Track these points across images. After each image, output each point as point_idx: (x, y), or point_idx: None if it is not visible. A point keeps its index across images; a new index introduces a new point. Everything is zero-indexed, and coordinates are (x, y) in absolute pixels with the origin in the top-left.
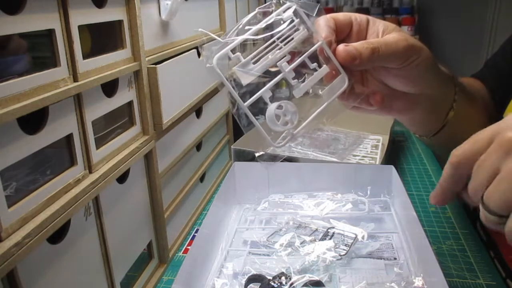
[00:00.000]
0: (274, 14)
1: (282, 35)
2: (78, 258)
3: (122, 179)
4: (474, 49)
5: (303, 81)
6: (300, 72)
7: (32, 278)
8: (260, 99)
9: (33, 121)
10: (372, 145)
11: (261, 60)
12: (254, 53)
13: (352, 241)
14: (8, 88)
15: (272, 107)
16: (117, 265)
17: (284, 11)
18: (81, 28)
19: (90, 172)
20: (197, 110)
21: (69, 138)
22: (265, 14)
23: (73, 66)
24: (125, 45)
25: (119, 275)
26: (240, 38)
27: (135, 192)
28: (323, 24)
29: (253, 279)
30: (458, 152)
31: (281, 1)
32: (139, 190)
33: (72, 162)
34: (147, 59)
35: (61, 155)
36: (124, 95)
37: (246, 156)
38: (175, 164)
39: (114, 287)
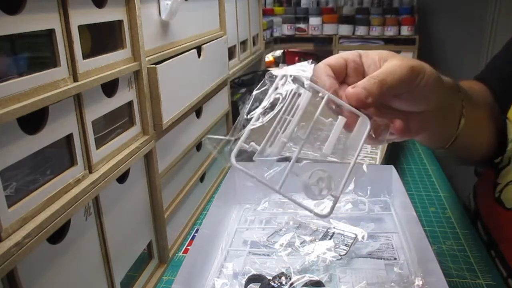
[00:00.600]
0: (271, 91)
1: (287, 108)
2: (78, 258)
3: (122, 179)
4: (474, 49)
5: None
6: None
7: (32, 278)
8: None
9: (33, 121)
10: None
11: (276, 141)
12: (267, 136)
13: (352, 241)
14: (8, 88)
15: (304, 180)
16: (117, 265)
17: (281, 82)
18: (81, 28)
19: (90, 172)
20: (197, 110)
21: (69, 138)
22: (263, 93)
23: (73, 66)
24: (125, 45)
25: (119, 275)
26: (247, 130)
27: (135, 192)
28: (322, 76)
29: (253, 279)
30: None
31: (273, 76)
32: (139, 190)
33: (72, 162)
34: (147, 59)
35: (61, 155)
36: (124, 95)
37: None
38: (175, 164)
39: (114, 287)
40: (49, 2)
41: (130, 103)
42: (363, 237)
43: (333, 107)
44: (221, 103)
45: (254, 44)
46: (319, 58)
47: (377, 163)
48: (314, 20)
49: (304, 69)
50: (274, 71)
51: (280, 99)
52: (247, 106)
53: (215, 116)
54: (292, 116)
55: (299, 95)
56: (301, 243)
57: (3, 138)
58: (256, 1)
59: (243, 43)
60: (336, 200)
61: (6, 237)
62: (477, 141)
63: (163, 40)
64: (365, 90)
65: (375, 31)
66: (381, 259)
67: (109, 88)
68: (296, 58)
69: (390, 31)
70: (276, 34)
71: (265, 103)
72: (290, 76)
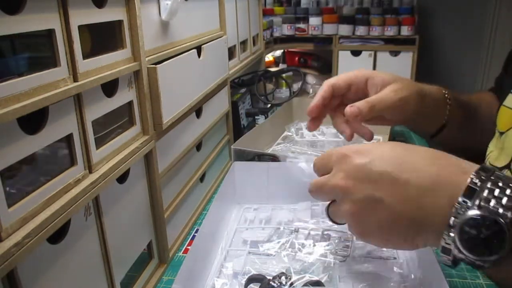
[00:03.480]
0: None
1: None
2: (78, 258)
3: (122, 179)
4: (474, 49)
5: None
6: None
7: (32, 278)
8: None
9: (33, 121)
10: None
11: None
12: None
13: (351, 241)
14: (8, 88)
15: None
16: (117, 265)
17: None
18: (81, 28)
19: (90, 172)
20: (197, 110)
21: (69, 138)
22: None
23: (73, 66)
24: (125, 45)
25: (119, 275)
26: None
27: (135, 192)
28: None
29: (253, 279)
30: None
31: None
32: (139, 190)
33: (72, 162)
34: (147, 59)
35: (61, 155)
36: (124, 95)
37: (246, 156)
38: (175, 164)
39: (114, 287)
40: (49, 2)
41: (130, 103)
42: None
43: None
44: (221, 103)
45: (254, 44)
46: (319, 58)
47: None
48: (314, 20)
49: None
50: None
51: None
52: None
53: (215, 116)
54: None
55: None
56: (301, 244)
57: (3, 138)
58: (256, 1)
59: (243, 43)
60: None
61: (6, 237)
62: (465, 134)
63: (163, 40)
64: (358, 109)
65: (375, 31)
66: (381, 259)
67: (109, 88)
68: (296, 58)
69: (390, 31)
70: (276, 34)
71: None
72: None
